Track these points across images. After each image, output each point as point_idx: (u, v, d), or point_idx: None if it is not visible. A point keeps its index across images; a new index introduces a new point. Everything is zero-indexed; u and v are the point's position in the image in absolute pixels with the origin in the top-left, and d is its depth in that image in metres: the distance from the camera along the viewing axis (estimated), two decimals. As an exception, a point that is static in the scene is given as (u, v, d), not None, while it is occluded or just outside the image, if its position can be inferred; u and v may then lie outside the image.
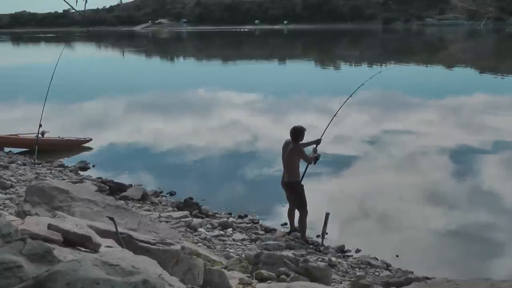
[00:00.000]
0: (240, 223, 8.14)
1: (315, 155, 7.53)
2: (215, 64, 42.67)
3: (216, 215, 8.53)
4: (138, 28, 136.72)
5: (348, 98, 8.36)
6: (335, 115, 8.26)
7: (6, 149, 12.92)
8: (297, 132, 7.34)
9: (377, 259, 6.91)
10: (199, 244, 6.41)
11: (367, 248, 7.28)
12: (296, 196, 7.51)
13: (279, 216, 8.45)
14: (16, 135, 12.98)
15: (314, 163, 7.56)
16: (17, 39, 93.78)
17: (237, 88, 24.80)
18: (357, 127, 15.37)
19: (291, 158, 7.39)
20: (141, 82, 27.69)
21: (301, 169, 7.53)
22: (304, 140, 7.52)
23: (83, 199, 4.82)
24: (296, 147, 7.33)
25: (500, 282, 4.41)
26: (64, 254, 2.53)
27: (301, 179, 7.50)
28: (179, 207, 8.63)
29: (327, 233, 7.34)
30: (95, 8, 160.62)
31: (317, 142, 7.69)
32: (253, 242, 7.17)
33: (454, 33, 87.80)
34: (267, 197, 9.45)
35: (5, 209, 5.79)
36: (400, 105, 19.87)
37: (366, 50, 54.68)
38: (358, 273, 6.26)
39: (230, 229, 7.73)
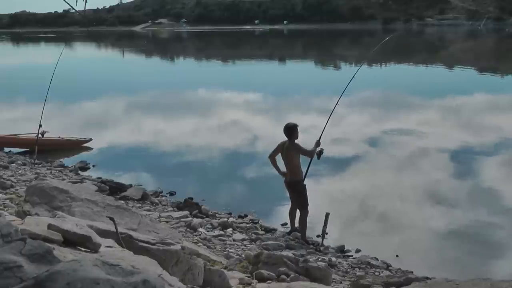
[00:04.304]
0: (240, 223, 8.13)
1: (319, 149, 7.44)
2: (215, 64, 42.68)
3: (216, 215, 8.53)
4: (138, 28, 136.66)
5: (340, 96, 8.21)
6: (330, 116, 8.06)
7: (6, 149, 12.93)
8: (291, 130, 7.33)
9: (377, 259, 6.91)
10: (199, 244, 6.41)
11: (367, 248, 7.28)
12: (297, 196, 7.51)
13: (279, 216, 8.45)
14: (16, 135, 12.99)
15: (318, 158, 7.49)
16: (17, 39, 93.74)
17: (237, 88, 24.82)
18: (357, 127, 15.38)
19: (290, 157, 7.38)
20: (141, 82, 27.69)
21: (303, 168, 7.51)
22: (302, 142, 7.49)
23: (83, 199, 4.83)
24: (292, 145, 7.32)
25: (500, 282, 4.41)
26: (64, 254, 2.53)
27: (304, 178, 7.48)
28: (179, 207, 8.63)
29: (327, 233, 7.33)
30: (95, 8, 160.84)
31: (317, 144, 7.60)
32: (253, 242, 7.16)
33: (454, 33, 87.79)
34: (267, 197, 9.45)
35: (5, 209, 5.78)
36: (400, 105, 19.88)
37: (366, 50, 54.65)
38: (358, 273, 6.25)
39: (230, 229, 7.72)
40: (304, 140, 7.69)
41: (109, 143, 14.04)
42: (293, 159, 7.38)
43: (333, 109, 8.04)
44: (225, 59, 45.88)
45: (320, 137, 7.60)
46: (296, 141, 7.39)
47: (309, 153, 7.41)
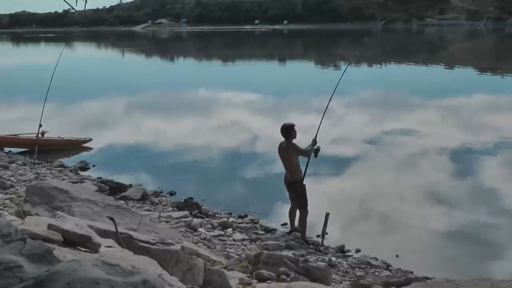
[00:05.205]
0: (240, 223, 8.13)
1: (315, 147, 7.42)
2: (215, 64, 42.68)
3: (216, 215, 8.53)
4: (138, 28, 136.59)
5: (333, 93, 8.13)
6: (324, 113, 7.98)
7: (6, 149, 12.93)
8: (287, 130, 7.32)
9: (377, 259, 6.91)
10: (199, 244, 6.41)
11: (367, 248, 7.28)
12: (296, 195, 7.51)
13: (279, 216, 8.45)
14: (16, 135, 12.99)
15: (316, 156, 7.49)
16: (17, 39, 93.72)
17: (237, 88, 24.82)
18: (357, 127, 15.38)
19: (289, 157, 7.38)
20: (141, 82, 27.70)
21: (302, 167, 7.50)
22: (301, 141, 7.47)
23: (83, 199, 4.83)
24: (289, 145, 7.32)
25: (500, 282, 4.41)
26: (64, 254, 2.53)
27: (303, 178, 7.48)
28: (179, 207, 8.63)
29: (327, 233, 7.33)
30: (95, 8, 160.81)
31: (314, 142, 7.57)
32: (253, 242, 7.16)
33: (454, 33, 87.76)
34: (267, 197, 9.45)
35: (5, 209, 5.78)
36: (400, 105, 19.87)
37: (366, 50, 54.61)
38: (358, 273, 6.25)
39: (230, 229, 7.72)
40: (303, 139, 7.68)
41: (109, 143, 14.04)
42: (292, 159, 7.38)
43: (327, 106, 7.99)
44: (225, 59, 45.86)
45: (316, 135, 7.58)
46: (294, 140, 7.38)
47: (305, 153, 7.40)
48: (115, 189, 9.30)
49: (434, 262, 6.93)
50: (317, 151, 7.45)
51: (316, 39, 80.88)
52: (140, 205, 8.60)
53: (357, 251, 7.28)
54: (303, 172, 7.47)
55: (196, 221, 7.82)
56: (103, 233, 3.39)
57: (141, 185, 10.12)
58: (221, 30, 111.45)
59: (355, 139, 14.00)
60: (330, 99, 8.08)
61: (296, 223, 7.67)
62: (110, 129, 16.26)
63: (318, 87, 23.70)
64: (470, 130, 15.04)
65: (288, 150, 7.34)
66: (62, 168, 11.33)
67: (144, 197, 9.02)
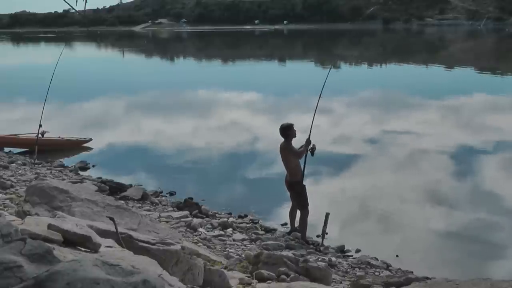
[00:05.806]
0: (240, 223, 8.14)
1: (310, 146, 7.39)
2: (215, 64, 42.67)
3: (216, 215, 8.53)
4: (138, 28, 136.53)
5: (322, 90, 8.12)
6: (315, 111, 7.92)
7: (6, 149, 12.93)
8: (285, 129, 7.31)
9: (377, 259, 6.91)
10: (199, 244, 6.41)
11: (367, 248, 7.28)
12: (296, 196, 7.51)
13: (279, 216, 8.45)
14: (16, 135, 12.99)
15: (312, 155, 7.47)
16: (17, 39, 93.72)
17: (237, 88, 24.82)
18: (357, 127, 15.37)
19: (288, 158, 7.39)
20: (141, 82, 27.69)
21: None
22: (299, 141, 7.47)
23: (83, 199, 4.83)
24: (286, 145, 7.31)
25: (500, 282, 4.41)
26: (64, 254, 2.53)
27: (302, 178, 7.47)
28: (179, 207, 8.63)
29: (327, 233, 7.33)
30: (95, 8, 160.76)
31: (308, 142, 7.48)
32: (253, 242, 7.16)
33: (454, 33, 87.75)
34: (267, 197, 9.45)
35: (5, 209, 5.78)
36: (400, 105, 19.86)
37: (366, 50, 54.64)
38: (358, 273, 6.25)
39: (230, 229, 7.72)
40: (302, 139, 7.66)
41: (109, 143, 14.04)
42: (292, 160, 7.38)
43: (317, 104, 7.99)
44: (225, 59, 45.86)
45: (309, 135, 7.57)
46: (294, 140, 7.37)
47: (298, 154, 7.38)
48: (115, 189, 9.31)
49: (434, 262, 6.93)
50: (313, 149, 7.44)
51: (316, 39, 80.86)
52: (140, 205, 8.61)
53: (357, 251, 7.28)
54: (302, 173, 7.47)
55: (196, 221, 7.82)
56: (103, 233, 3.39)
57: (141, 185, 10.12)
58: (221, 30, 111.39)
59: (355, 139, 14.00)
60: (319, 97, 8.09)
61: (297, 223, 7.67)
62: (110, 129, 16.27)
63: (318, 87, 23.65)
64: (470, 130, 15.04)
65: (286, 150, 7.34)
66: (62, 168, 11.34)
67: (144, 197, 9.02)
